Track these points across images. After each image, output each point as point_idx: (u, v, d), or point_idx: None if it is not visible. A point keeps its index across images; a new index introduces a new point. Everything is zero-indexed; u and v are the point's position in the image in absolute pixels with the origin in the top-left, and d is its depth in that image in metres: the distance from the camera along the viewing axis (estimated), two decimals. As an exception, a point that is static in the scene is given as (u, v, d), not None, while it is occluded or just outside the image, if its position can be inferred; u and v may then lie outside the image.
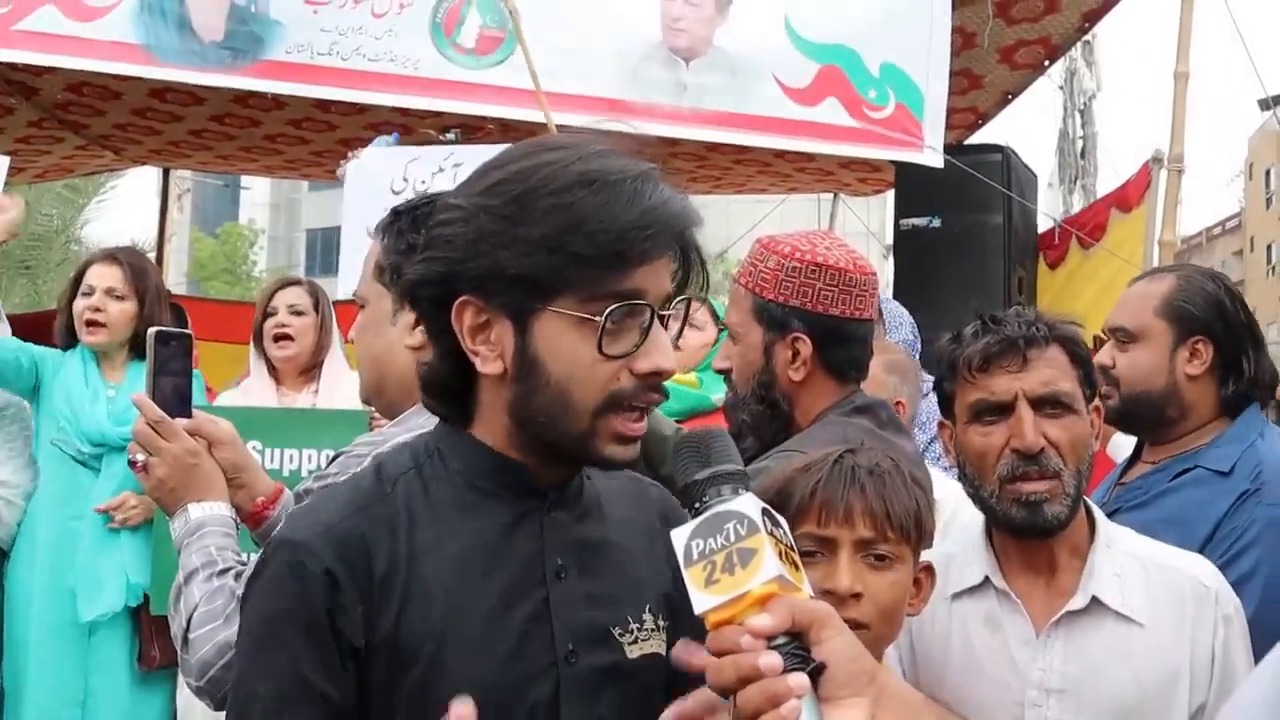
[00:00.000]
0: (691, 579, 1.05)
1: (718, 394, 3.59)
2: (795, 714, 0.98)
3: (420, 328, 1.61)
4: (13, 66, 5.26)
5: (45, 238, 15.58)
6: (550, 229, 1.12)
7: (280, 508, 1.86)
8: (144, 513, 3.20)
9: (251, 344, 3.84)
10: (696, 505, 1.09)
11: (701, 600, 1.04)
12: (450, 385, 1.23)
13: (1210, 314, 2.23)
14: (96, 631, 3.22)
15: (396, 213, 1.71)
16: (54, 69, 5.06)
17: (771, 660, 1.00)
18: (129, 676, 3.24)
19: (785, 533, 1.09)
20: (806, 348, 1.96)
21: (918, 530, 1.48)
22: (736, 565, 1.03)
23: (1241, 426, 2.21)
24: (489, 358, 1.17)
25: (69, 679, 3.20)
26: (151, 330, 1.80)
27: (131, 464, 1.78)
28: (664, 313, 1.18)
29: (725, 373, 2.09)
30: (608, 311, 1.12)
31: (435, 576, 1.16)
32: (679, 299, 1.20)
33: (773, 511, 1.09)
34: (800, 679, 1.00)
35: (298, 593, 1.13)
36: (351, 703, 1.14)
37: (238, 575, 1.64)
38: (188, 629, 1.59)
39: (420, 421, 1.59)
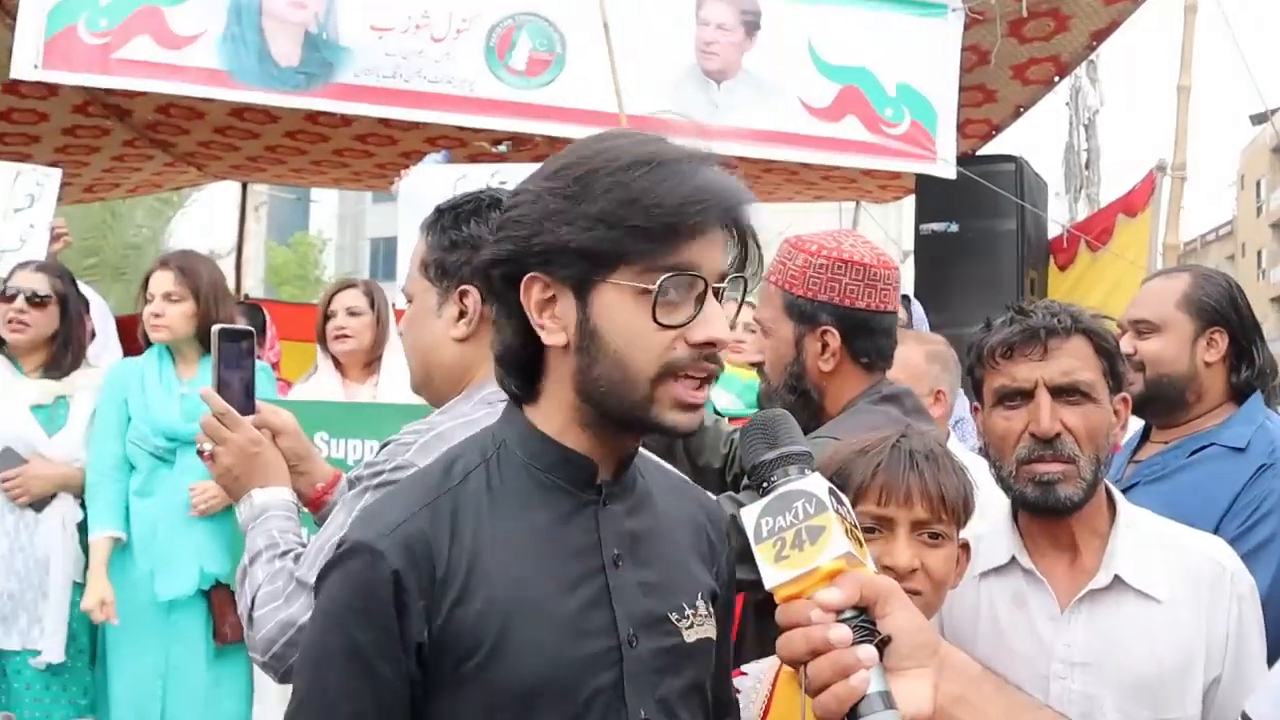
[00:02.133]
0: (761, 555, 1.02)
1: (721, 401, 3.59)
2: (864, 684, 0.96)
3: (464, 320, 1.63)
4: (109, 91, 5.34)
5: (139, 246, 15.81)
6: (609, 204, 1.10)
7: (337, 492, 1.83)
8: (222, 501, 3.22)
9: (317, 343, 3.89)
10: (764, 485, 1.06)
11: (772, 575, 1.02)
12: (520, 360, 1.21)
13: (1226, 307, 2.30)
14: (175, 610, 3.25)
15: (440, 210, 1.69)
16: (145, 93, 5.13)
17: (841, 632, 0.97)
18: (206, 651, 3.27)
19: (849, 511, 1.06)
20: (835, 340, 1.95)
21: (964, 510, 1.49)
22: (805, 542, 1.01)
23: (1250, 409, 2.27)
24: (554, 330, 1.15)
25: (152, 652, 3.22)
26: (216, 328, 1.79)
27: (199, 453, 1.77)
28: (719, 286, 1.15)
29: (758, 365, 2.08)
30: (661, 281, 1.11)
31: (498, 567, 1.14)
32: (734, 276, 1.17)
33: (837, 491, 1.06)
34: (869, 650, 0.98)
35: (366, 592, 1.11)
36: (408, 691, 1.12)
37: (298, 557, 1.63)
38: (252, 607, 1.58)
39: (465, 409, 1.58)
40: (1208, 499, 2.08)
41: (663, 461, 1.44)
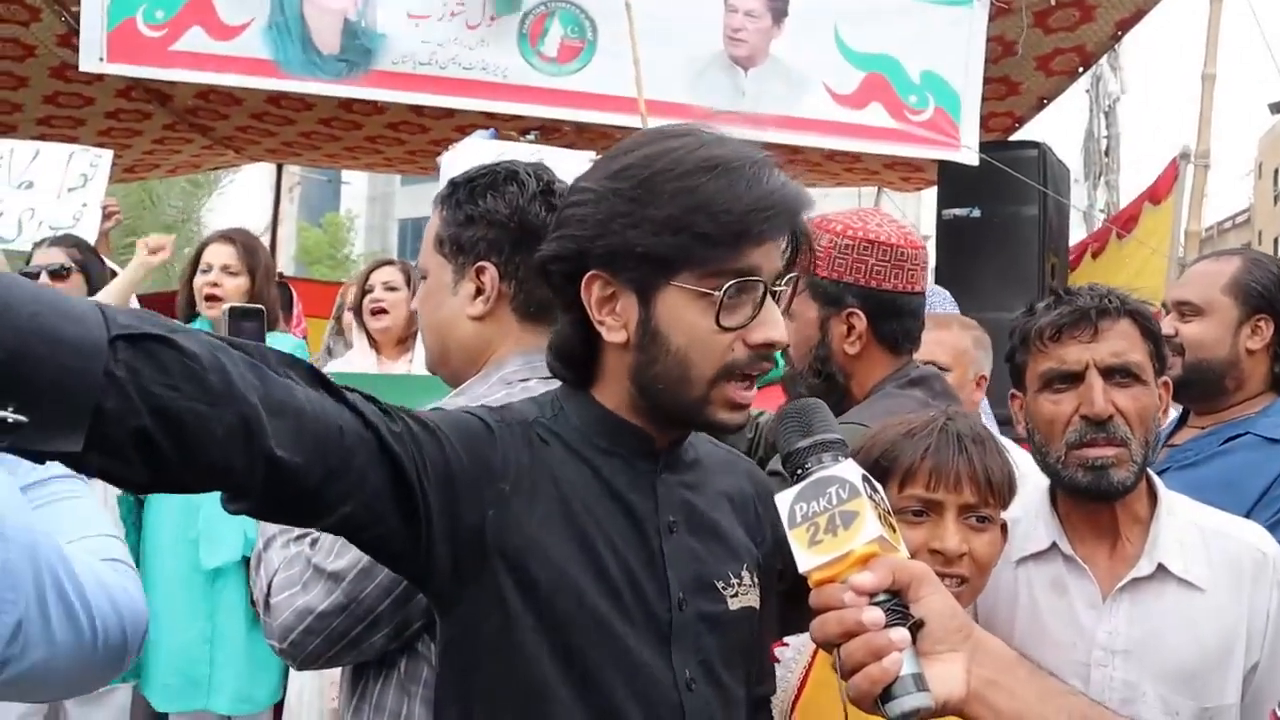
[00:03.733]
0: (795, 540, 1.02)
1: None
2: (897, 666, 0.96)
3: (481, 297, 1.55)
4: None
5: (173, 226, 15.92)
6: (676, 210, 1.10)
7: None
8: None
9: (353, 318, 3.89)
10: (799, 471, 1.06)
11: (806, 559, 1.02)
12: (576, 352, 1.21)
13: (1275, 294, 2.21)
14: (219, 578, 3.28)
15: (454, 184, 1.60)
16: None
17: (874, 615, 0.97)
18: (247, 617, 3.29)
19: (882, 497, 1.06)
20: (861, 322, 1.88)
21: (1009, 493, 1.46)
22: (839, 526, 1.01)
23: None
24: (614, 327, 1.16)
25: (197, 619, 3.24)
26: (226, 306, 1.74)
27: None
28: (775, 288, 1.16)
29: (783, 348, 2.05)
30: (726, 287, 1.11)
31: (564, 508, 1.14)
32: (789, 276, 1.17)
33: (870, 477, 1.06)
34: (901, 633, 0.98)
35: (464, 423, 1.13)
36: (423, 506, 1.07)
37: (314, 542, 1.52)
38: (269, 593, 1.48)
39: (482, 390, 1.51)
40: (1238, 488, 2.02)
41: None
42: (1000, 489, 1.43)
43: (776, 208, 1.12)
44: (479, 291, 1.56)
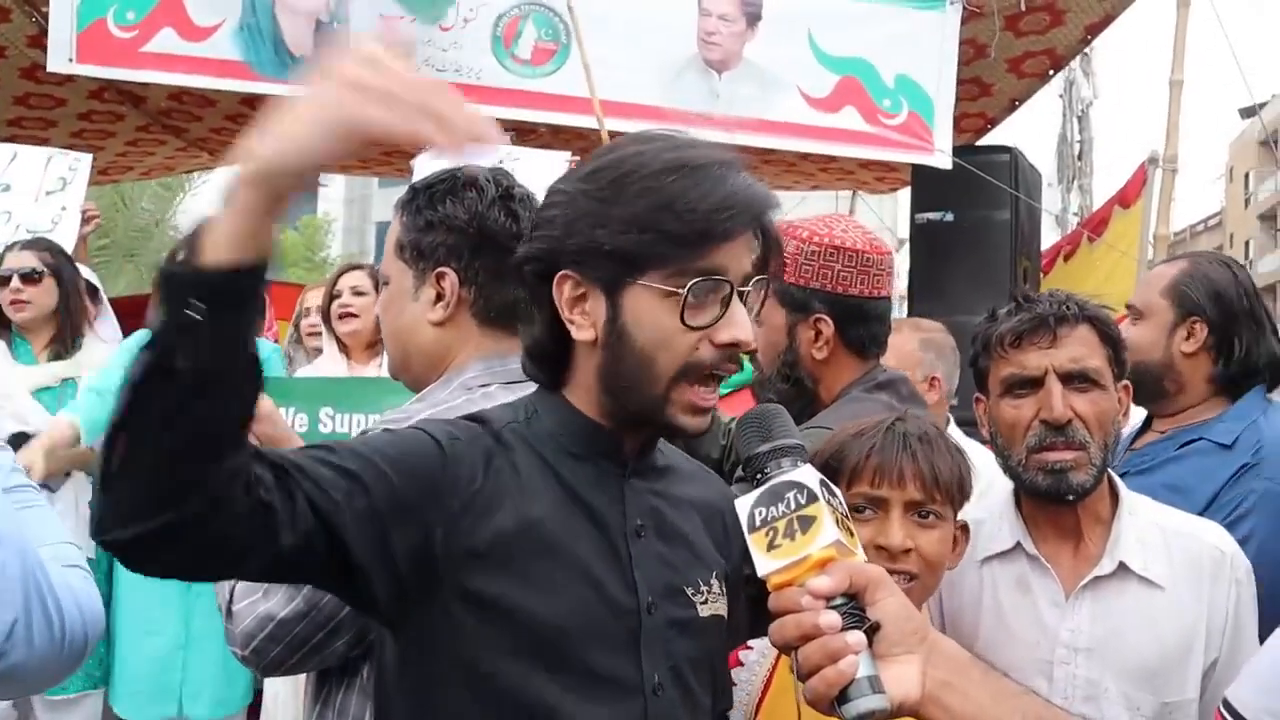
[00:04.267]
0: (755, 544, 1.03)
1: None
2: (853, 668, 0.97)
3: (441, 303, 1.55)
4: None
5: (146, 229, 15.79)
6: (642, 209, 1.12)
7: None
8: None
9: (322, 323, 3.87)
10: (758, 476, 1.07)
11: (764, 564, 1.02)
12: (548, 352, 1.22)
13: (1207, 298, 2.20)
14: (194, 585, 3.25)
15: (414, 189, 1.60)
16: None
17: (831, 618, 0.98)
18: (222, 623, 3.26)
19: (841, 501, 1.07)
20: (828, 328, 1.89)
21: (960, 492, 1.47)
22: (797, 531, 1.01)
23: (1245, 405, 2.18)
24: (583, 325, 1.17)
25: (174, 625, 3.22)
26: None
27: None
28: (743, 289, 1.16)
29: (750, 353, 2.05)
30: (690, 285, 1.12)
31: (522, 517, 1.14)
32: (758, 279, 1.18)
33: (829, 482, 1.07)
34: (857, 636, 0.99)
35: (410, 444, 1.12)
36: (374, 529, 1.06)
37: None
38: (231, 600, 1.49)
39: (443, 396, 1.50)
40: (1189, 493, 2.02)
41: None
42: (949, 487, 1.45)
43: (739, 206, 1.13)
44: (439, 297, 1.55)
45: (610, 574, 1.16)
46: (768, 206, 1.17)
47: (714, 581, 1.25)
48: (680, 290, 1.12)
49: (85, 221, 4.12)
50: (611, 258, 1.13)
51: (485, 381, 1.51)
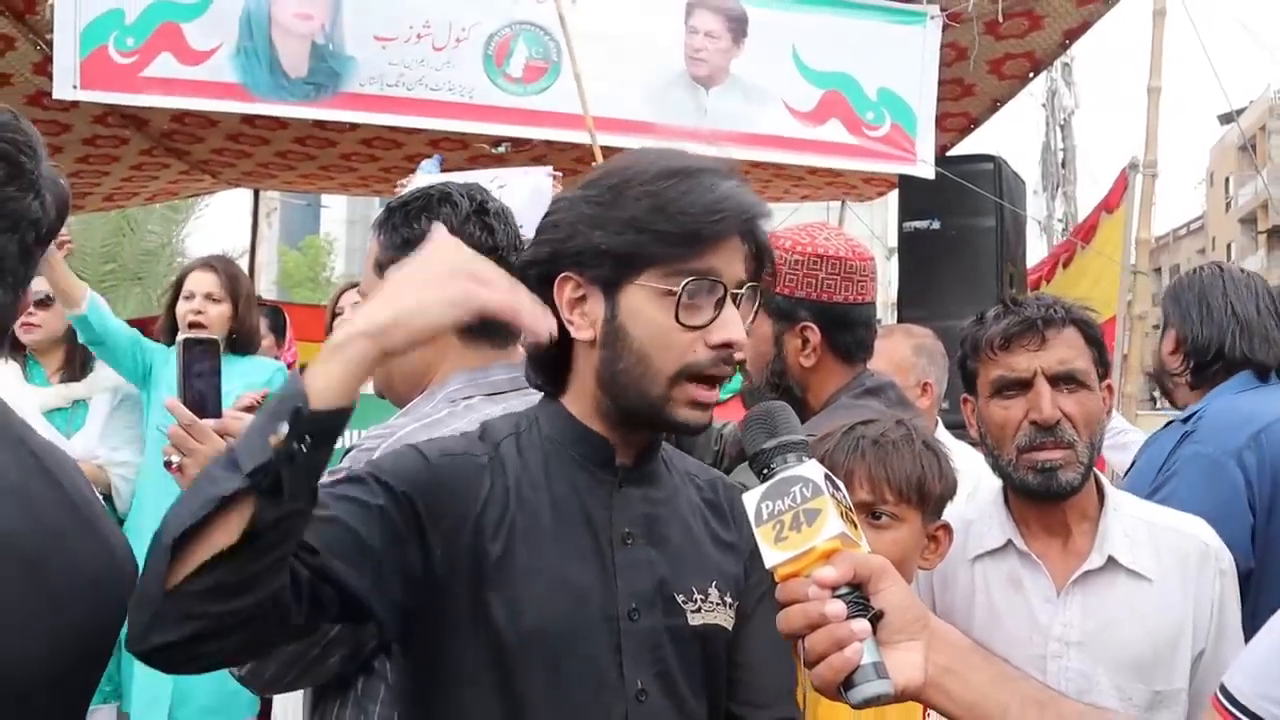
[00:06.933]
0: (762, 537, 1.04)
1: None
2: (858, 655, 0.98)
3: None
4: (127, 102, 5.34)
5: (153, 252, 15.77)
6: (638, 211, 1.15)
7: None
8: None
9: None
10: (765, 471, 1.08)
11: (771, 555, 1.03)
12: (550, 354, 1.23)
13: (1171, 309, 2.40)
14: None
15: (390, 209, 1.60)
16: (161, 104, 5.13)
17: (836, 607, 0.99)
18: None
19: (844, 495, 1.08)
20: (815, 335, 1.89)
21: (919, 493, 1.47)
22: (803, 524, 1.02)
23: (1223, 386, 2.29)
24: (583, 326, 1.19)
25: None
26: (181, 337, 1.66)
27: (167, 465, 1.58)
28: (737, 293, 1.18)
29: (739, 363, 2.03)
30: (685, 284, 1.14)
31: (512, 525, 1.15)
32: (750, 285, 1.20)
33: (833, 476, 1.07)
34: (862, 624, 1.00)
35: (407, 467, 1.14)
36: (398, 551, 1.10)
37: None
38: None
39: (427, 409, 1.49)
40: (1152, 466, 2.20)
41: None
42: (902, 488, 1.45)
43: (729, 210, 1.16)
44: None
45: (593, 580, 1.17)
46: (758, 213, 1.20)
47: (713, 590, 1.24)
48: (675, 289, 1.14)
49: (59, 246, 4.12)
50: (609, 257, 1.16)
51: (468, 394, 1.50)
